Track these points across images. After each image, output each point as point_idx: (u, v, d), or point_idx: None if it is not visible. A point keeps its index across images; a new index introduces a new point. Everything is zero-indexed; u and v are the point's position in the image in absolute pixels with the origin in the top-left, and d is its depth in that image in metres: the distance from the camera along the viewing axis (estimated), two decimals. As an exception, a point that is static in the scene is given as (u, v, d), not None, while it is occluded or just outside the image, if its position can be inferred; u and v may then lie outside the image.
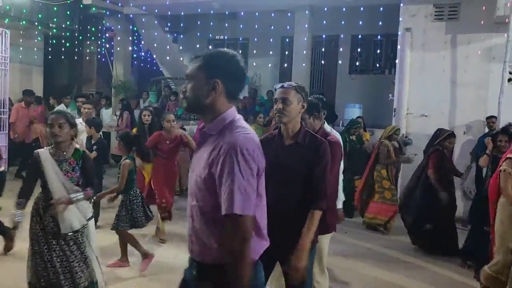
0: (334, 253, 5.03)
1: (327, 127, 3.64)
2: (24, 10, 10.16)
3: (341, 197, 3.61)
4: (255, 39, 12.06)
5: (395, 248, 5.86)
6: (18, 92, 10.26)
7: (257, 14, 10.96)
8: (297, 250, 2.50)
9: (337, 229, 3.49)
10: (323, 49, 11.37)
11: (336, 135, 3.58)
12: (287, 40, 11.87)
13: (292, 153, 2.67)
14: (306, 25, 10.29)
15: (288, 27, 11.04)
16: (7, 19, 10.27)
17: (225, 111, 1.82)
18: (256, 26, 11.34)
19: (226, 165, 1.68)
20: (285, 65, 11.73)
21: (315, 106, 3.23)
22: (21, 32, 11.08)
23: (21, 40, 11.01)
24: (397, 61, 8.29)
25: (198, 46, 12.68)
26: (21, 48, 11.07)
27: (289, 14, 10.87)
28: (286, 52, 11.72)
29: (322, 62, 11.59)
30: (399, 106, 8.13)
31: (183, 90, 1.88)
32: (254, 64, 12.48)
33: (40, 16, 11.06)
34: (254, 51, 12.36)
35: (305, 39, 10.32)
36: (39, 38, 12.09)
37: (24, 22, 10.81)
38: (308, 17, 10.28)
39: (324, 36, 11.08)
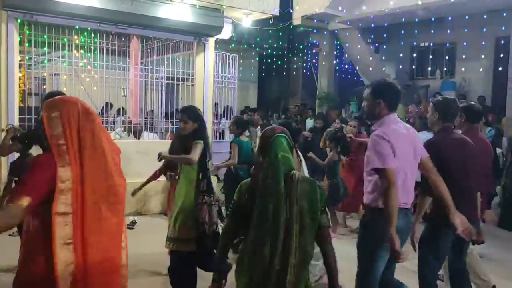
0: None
1: None
2: (246, 36, 11.76)
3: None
4: (464, 43, 11.37)
5: None
6: (238, 105, 11.90)
7: (466, 17, 10.38)
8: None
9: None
10: (549, 48, 10.01)
11: None
12: (502, 41, 10.86)
13: None
14: (527, 23, 9.26)
15: (503, 28, 10.14)
16: (232, 44, 12.05)
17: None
18: (466, 30, 10.71)
19: None
20: (500, 68, 10.76)
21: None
22: (241, 54, 12.81)
23: (241, 61, 12.73)
24: None
25: (401, 55, 12.59)
26: (241, 68, 12.79)
27: (504, 14, 9.96)
28: (501, 55, 10.72)
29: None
30: None
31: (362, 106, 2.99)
32: (463, 69, 11.77)
33: (258, 39, 12.65)
34: (463, 56, 11.65)
35: (526, 38, 9.29)
36: (257, 59, 13.81)
37: (245, 46, 12.50)
38: (529, 14, 9.24)
39: (551, 33, 9.79)
